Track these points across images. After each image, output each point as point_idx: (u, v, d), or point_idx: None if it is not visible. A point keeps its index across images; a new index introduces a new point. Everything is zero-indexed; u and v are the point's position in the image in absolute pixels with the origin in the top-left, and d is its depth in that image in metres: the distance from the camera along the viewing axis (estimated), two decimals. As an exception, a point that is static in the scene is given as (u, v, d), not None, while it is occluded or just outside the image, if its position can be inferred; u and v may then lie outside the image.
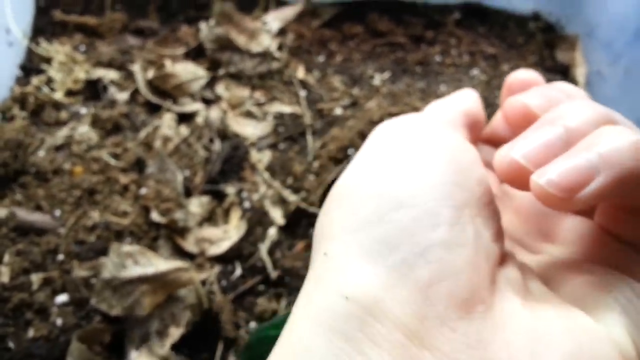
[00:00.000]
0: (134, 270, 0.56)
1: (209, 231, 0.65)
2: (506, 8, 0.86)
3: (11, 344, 0.53)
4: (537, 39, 0.85)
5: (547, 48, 0.85)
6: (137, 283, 0.56)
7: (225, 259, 0.63)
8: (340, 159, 0.67)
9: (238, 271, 0.63)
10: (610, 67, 0.75)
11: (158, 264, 0.58)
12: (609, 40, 0.75)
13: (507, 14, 0.86)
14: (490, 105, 0.74)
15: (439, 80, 0.76)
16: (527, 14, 0.86)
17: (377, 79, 0.76)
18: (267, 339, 0.52)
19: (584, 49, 0.81)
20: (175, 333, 0.56)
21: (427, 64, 0.79)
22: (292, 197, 0.66)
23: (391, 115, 0.68)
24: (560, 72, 0.82)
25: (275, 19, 0.83)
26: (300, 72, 0.78)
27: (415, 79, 0.76)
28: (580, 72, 0.80)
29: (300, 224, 0.65)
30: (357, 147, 0.66)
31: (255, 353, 0.52)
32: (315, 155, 0.68)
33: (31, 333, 0.54)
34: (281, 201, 0.66)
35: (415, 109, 0.69)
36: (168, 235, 0.63)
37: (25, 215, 0.61)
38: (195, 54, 0.79)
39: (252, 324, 0.59)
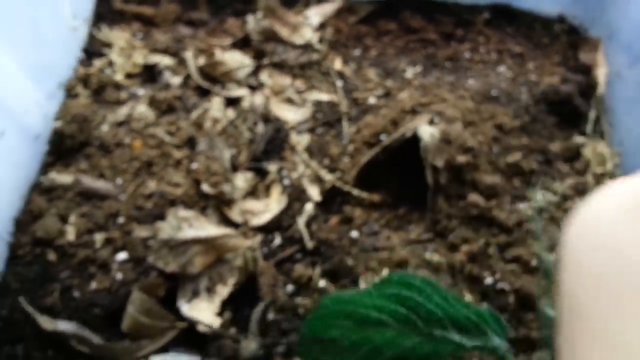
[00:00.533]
0: (188, 233, 0.63)
1: (252, 204, 0.72)
2: (533, 10, 0.91)
3: (76, 294, 0.60)
4: (561, 40, 0.90)
5: (571, 49, 0.90)
6: (190, 244, 0.63)
7: (266, 229, 0.70)
8: (374, 143, 0.73)
9: (277, 240, 0.69)
10: (629, 69, 0.80)
11: (209, 229, 0.65)
12: (629, 43, 0.80)
13: (533, 15, 0.91)
14: (515, 101, 0.79)
15: (467, 75, 0.82)
16: (553, 17, 0.91)
17: (409, 72, 0.82)
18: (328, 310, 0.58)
19: (605, 51, 0.86)
20: (223, 291, 0.63)
21: (456, 59, 0.85)
22: (327, 177, 0.72)
23: (422, 105, 0.74)
24: (582, 72, 0.87)
25: (315, 14, 0.90)
26: (338, 64, 0.85)
27: (445, 73, 0.82)
28: (601, 72, 0.85)
29: (335, 201, 0.72)
30: (389, 134, 0.72)
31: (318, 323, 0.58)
32: (350, 140, 0.75)
33: (94, 285, 0.61)
34: (318, 180, 0.72)
35: (444, 100, 0.75)
36: (216, 206, 0.70)
37: (90, 182, 0.68)
38: (242, 44, 0.86)
39: (289, 287, 0.65)
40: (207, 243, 0.63)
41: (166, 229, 0.63)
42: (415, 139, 0.69)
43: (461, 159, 0.69)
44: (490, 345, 0.49)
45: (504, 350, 0.48)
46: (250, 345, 0.57)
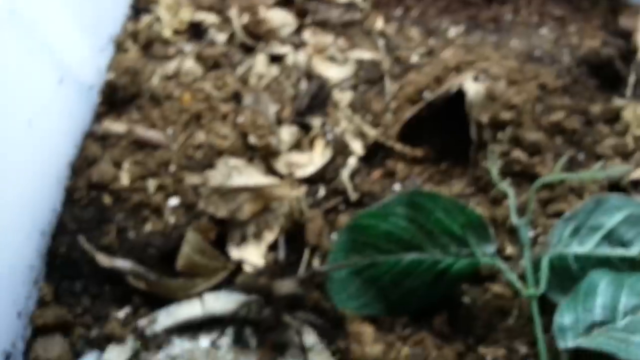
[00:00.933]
0: (238, 180, 0.65)
1: (296, 156, 0.73)
2: (575, -27, 0.90)
3: (131, 235, 0.62)
4: (601, 5, 0.90)
5: (611, 14, 0.90)
6: (240, 191, 0.65)
7: (311, 181, 0.71)
8: (416, 100, 0.74)
9: (322, 192, 0.71)
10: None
11: (257, 177, 0.67)
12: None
13: (574, -21, 0.91)
14: (557, 62, 0.80)
15: (510, 35, 0.82)
16: (594, -19, 0.91)
17: (452, 32, 0.83)
18: (362, 227, 0.58)
19: (646, 17, 0.85)
20: (269, 237, 0.65)
21: (498, 21, 0.85)
22: (371, 131, 0.73)
23: (466, 63, 0.74)
24: (623, 37, 0.87)
25: (358, -26, 0.90)
26: (380, 23, 0.85)
27: (488, 34, 0.82)
28: (640, 38, 0.85)
29: (378, 156, 0.73)
30: (432, 91, 0.73)
31: (350, 237, 0.60)
32: (392, 97, 0.76)
33: (149, 227, 0.63)
34: (361, 134, 0.74)
35: (488, 59, 0.75)
36: (262, 157, 0.71)
37: (142, 131, 0.70)
38: (285, 2, 0.87)
39: (334, 236, 0.67)
40: (255, 191, 0.65)
41: (217, 177, 0.65)
42: (459, 95, 0.70)
43: (505, 115, 0.69)
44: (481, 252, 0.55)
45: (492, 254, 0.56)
46: (291, 284, 0.59)
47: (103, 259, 0.58)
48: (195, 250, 0.59)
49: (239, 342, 0.54)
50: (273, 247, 0.64)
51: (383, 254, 0.57)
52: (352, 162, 0.72)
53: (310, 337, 0.53)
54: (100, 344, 0.52)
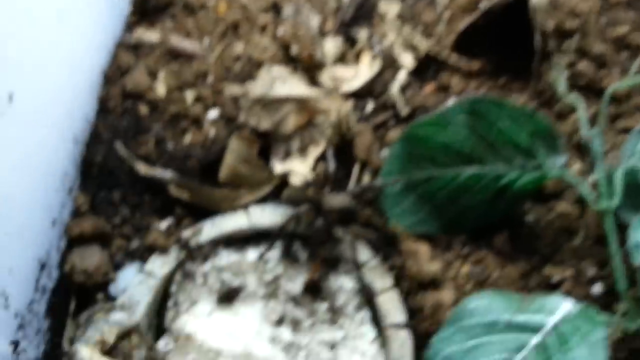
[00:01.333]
0: (281, 90, 0.60)
1: (342, 70, 0.68)
2: None
3: (170, 146, 0.58)
4: None
5: None
6: (283, 102, 0.60)
7: (358, 95, 0.66)
8: (472, 9, 0.68)
9: (370, 106, 0.66)
10: None
11: (302, 88, 0.62)
12: None
13: None
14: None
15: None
16: None
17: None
18: (417, 138, 0.54)
19: None
20: (315, 151, 0.61)
21: None
22: (422, 43, 0.68)
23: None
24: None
25: None
26: None
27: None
28: None
29: (430, 69, 0.67)
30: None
31: (404, 149, 0.56)
32: (445, 7, 0.70)
33: (188, 139, 0.59)
34: (411, 47, 0.68)
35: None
36: (305, 70, 0.66)
37: (177, 41, 0.66)
38: None
39: (384, 151, 0.62)
40: (300, 102, 0.60)
41: (259, 87, 0.60)
42: (519, 2, 0.64)
43: (571, 24, 0.64)
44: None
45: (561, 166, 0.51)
46: (343, 197, 0.54)
47: (142, 168, 0.54)
48: (239, 159, 0.55)
49: (288, 255, 0.50)
50: (319, 162, 0.59)
51: (440, 168, 0.53)
52: (401, 75, 0.67)
53: (364, 252, 0.50)
54: (142, 256, 0.49)
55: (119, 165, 0.53)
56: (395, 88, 0.66)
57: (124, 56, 0.63)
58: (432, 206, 0.53)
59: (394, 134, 0.62)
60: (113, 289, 0.48)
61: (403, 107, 0.64)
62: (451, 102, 0.63)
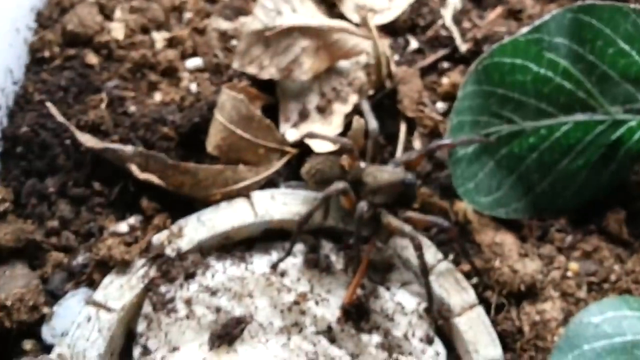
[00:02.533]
0: (291, 19, 0.42)
1: (370, -3, 0.50)
2: None
3: (132, 109, 0.40)
4: None
5: None
6: (296, 36, 0.42)
7: (395, 31, 0.49)
8: None
9: (414, 44, 0.48)
10: None
11: (320, 17, 0.44)
12: None
13: None
14: None
15: None
16: None
17: None
18: (497, 72, 0.39)
19: None
20: (341, 110, 0.43)
21: None
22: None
23: None
24: None
25: None
26: None
27: None
28: None
29: (492, -11, 0.50)
30: None
31: (478, 90, 0.38)
32: None
33: (157, 98, 0.42)
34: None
35: None
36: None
37: (140, -36, 0.47)
38: None
39: (440, 105, 0.44)
40: (318, 37, 0.42)
41: (258, 16, 0.42)
42: None
43: None
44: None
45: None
46: (393, 171, 0.36)
47: (89, 140, 0.36)
48: (235, 121, 0.37)
49: (315, 263, 0.36)
50: (348, 124, 0.41)
51: (530, 118, 0.39)
52: (454, 0, 0.48)
53: (429, 251, 0.37)
54: (91, 277, 0.35)
55: (55, 139, 0.35)
56: (447, 16, 0.47)
57: (66, -14, 0.45)
58: (518, 177, 0.40)
59: (451, 78, 0.46)
60: (47, 331, 0.34)
61: (461, 42, 0.46)
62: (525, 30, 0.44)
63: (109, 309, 0.32)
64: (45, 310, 0.33)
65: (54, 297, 0.34)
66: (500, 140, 0.39)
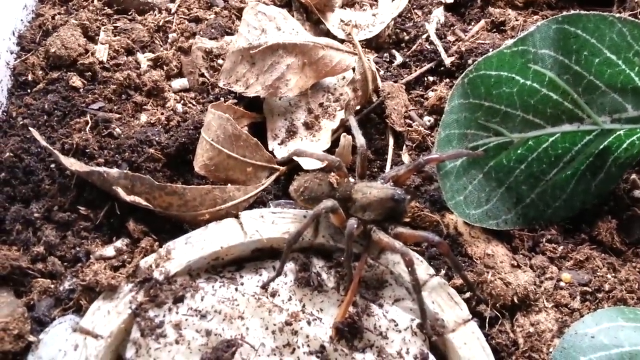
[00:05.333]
0: (276, 36, 0.41)
1: (354, 14, 0.50)
2: None
3: (118, 131, 0.39)
4: None
5: None
6: (281, 53, 0.41)
7: (380, 46, 0.48)
8: None
9: (399, 59, 0.47)
10: None
11: (305, 34, 0.43)
12: None
13: None
14: None
15: None
16: None
17: None
18: (484, 84, 0.38)
19: None
20: (329, 126, 0.42)
21: None
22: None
23: None
24: None
25: None
26: None
27: None
28: None
29: (474, 4, 0.49)
30: None
31: (465, 104, 0.38)
32: None
33: (143, 119, 0.41)
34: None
35: None
36: (306, 12, 0.48)
37: (123, -14, 0.47)
38: None
39: (427, 118, 0.44)
40: (303, 54, 0.42)
41: (243, 35, 0.42)
42: None
43: None
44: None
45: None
46: (380, 185, 0.36)
47: (74, 164, 0.35)
48: (221, 138, 0.36)
49: (306, 281, 0.35)
50: (337, 141, 0.41)
51: (517, 130, 0.39)
52: (437, 14, 0.48)
53: (421, 267, 0.36)
54: (78, 303, 0.34)
55: (39, 164, 0.35)
56: (432, 30, 0.47)
57: (48, 10, 0.44)
58: (507, 188, 0.40)
59: (437, 92, 0.46)
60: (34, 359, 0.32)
61: (445, 55, 0.46)
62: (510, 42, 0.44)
63: (96, 336, 0.31)
64: (31, 338, 0.32)
65: (40, 324, 0.33)
66: (488, 153, 0.39)
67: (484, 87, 0.38)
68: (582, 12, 0.38)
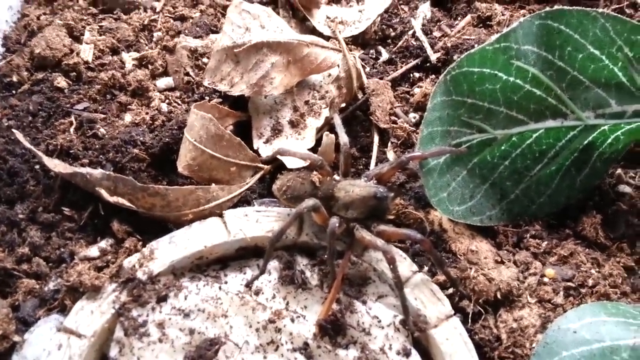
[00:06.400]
0: (260, 34, 0.41)
1: (341, 10, 0.50)
2: None
3: (102, 131, 0.40)
4: None
5: None
6: (265, 51, 0.41)
7: (366, 42, 0.48)
8: None
9: (384, 55, 0.47)
10: None
11: (290, 32, 0.43)
12: None
13: None
14: None
15: None
16: None
17: None
18: (466, 81, 0.38)
19: None
20: (314, 124, 0.42)
21: None
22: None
23: None
24: None
25: None
26: None
27: None
28: None
29: (460, -1, 0.49)
30: None
31: (448, 101, 0.38)
32: None
33: (128, 119, 0.41)
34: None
35: None
36: (292, 13, 0.48)
37: (108, -15, 0.47)
38: None
39: (412, 115, 0.44)
40: (287, 52, 0.42)
41: (227, 33, 0.42)
42: None
43: None
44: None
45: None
46: (363, 183, 0.36)
47: (58, 165, 0.35)
48: (205, 139, 0.36)
49: (290, 279, 0.35)
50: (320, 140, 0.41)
51: (501, 126, 0.38)
52: (423, 10, 0.48)
53: (404, 263, 0.36)
54: (62, 303, 0.34)
55: (24, 165, 0.35)
56: (418, 26, 0.47)
57: (34, 10, 0.44)
58: (491, 185, 0.40)
59: (423, 88, 0.45)
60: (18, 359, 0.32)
61: (431, 51, 0.46)
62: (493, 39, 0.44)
63: (80, 335, 0.32)
64: (16, 338, 0.32)
65: (25, 324, 0.33)
66: (472, 149, 0.39)
67: (467, 84, 0.38)
68: (565, 7, 0.37)
